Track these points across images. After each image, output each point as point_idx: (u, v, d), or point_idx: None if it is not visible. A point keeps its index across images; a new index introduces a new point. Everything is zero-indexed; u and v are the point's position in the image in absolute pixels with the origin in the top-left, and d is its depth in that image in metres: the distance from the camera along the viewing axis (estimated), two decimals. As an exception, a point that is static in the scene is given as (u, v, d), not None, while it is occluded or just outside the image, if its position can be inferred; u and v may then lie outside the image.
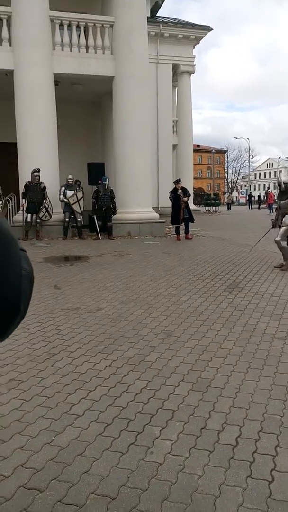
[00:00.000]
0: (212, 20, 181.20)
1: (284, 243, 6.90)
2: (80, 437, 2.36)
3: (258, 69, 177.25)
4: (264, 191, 40.14)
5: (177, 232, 11.26)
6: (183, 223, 11.19)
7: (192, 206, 12.55)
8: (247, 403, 2.73)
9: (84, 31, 11.90)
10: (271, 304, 5.03)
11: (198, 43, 20.40)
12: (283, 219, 7.02)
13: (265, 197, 29.76)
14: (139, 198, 11.89)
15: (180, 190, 11.05)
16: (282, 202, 7.13)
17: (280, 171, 78.76)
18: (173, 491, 1.92)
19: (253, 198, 36.14)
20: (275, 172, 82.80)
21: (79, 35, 11.73)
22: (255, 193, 50.44)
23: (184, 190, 11.21)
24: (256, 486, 1.95)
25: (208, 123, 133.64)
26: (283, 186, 7.17)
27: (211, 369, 3.27)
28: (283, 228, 6.96)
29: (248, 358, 3.47)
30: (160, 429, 2.44)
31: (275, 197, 7.52)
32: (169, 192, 11.74)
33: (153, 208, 12.89)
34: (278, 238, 6.93)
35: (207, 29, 20.11)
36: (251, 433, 2.39)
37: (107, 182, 11.32)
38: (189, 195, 11.82)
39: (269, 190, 30.65)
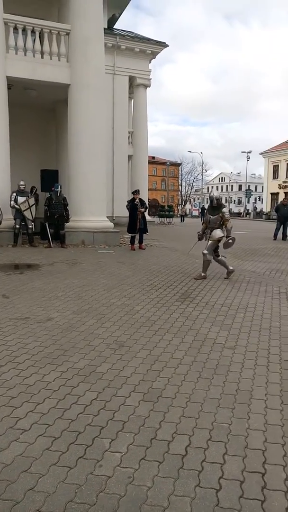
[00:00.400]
0: (167, 36, 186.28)
1: (210, 257, 7.34)
2: (26, 453, 2.26)
3: (211, 87, 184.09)
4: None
5: (132, 242, 11.32)
6: (138, 233, 11.28)
7: (147, 217, 12.71)
8: (197, 412, 2.75)
9: (40, 37, 11.77)
10: (221, 314, 5.16)
11: (154, 58, 20.87)
12: (212, 233, 7.31)
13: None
14: (93, 207, 11.82)
15: (137, 201, 11.15)
16: (212, 217, 7.37)
17: (232, 185, 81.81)
18: (121, 504, 1.88)
19: (205, 211, 37.23)
20: (227, 186, 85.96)
21: (34, 40, 11.59)
22: (225, 209, 51.97)
23: (142, 201, 11.37)
24: (204, 495, 1.96)
25: (163, 135, 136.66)
26: (215, 201, 7.39)
27: (163, 379, 3.27)
28: (211, 242, 7.31)
29: (198, 367, 3.51)
30: (110, 441, 2.39)
31: (206, 212, 7.82)
32: (127, 201, 11.84)
33: (107, 217, 12.87)
34: (205, 251, 7.30)
35: (163, 45, 20.65)
36: (200, 442, 2.41)
37: (59, 189, 11.17)
38: (146, 207, 11.99)
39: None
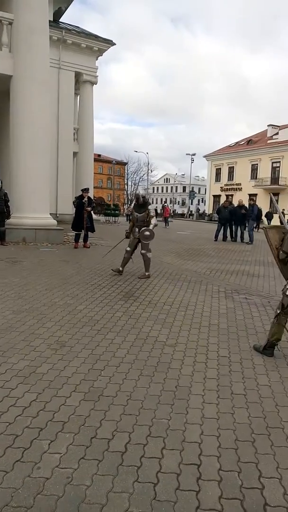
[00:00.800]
0: (113, 35, 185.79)
1: (128, 254, 7.53)
2: None
3: (157, 88, 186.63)
4: (161, 204, 42.15)
5: (77, 239, 11.19)
6: (83, 232, 11.18)
7: (94, 216, 12.64)
8: (137, 410, 2.80)
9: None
10: (163, 312, 5.27)
11: (101, 55, 20.73)
12: (140, 231, 7.35)
13: (162, 211, 31.22)
14: (35, 203, 11.50)
15: (85, 199, 11.02)
16: (139, 215, 7.44)
17: (176, 187, 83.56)
18: (59, 505, 1.87)
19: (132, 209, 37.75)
20: (171, 187, 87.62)
21: (-26, 28, 11.03)
22: (151, 206, 52.70)
23: (90, 200, 11.27)
24: (142, 490, 2.01)
25: (109, 134, 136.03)
26: (141, 199, 7.45)
27: (104, 378, 3.28)
28: (144, 242, 7.39)
29: (140, 365, 3.57)
30: (49, 442, 2.36)
31: (132, 209, 7.88)
32: (75, 197, 11.69)
33: (51, 214, 12.58)
34: (143, 251, 7.43)
35: (110, 43, 20.58)
36: (140, 438, 2.46)
37: (0, 185, 10.74)
38: (94, 207, 11.89)
39: (165, 204, 32.33)
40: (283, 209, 14.95)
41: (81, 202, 11.02)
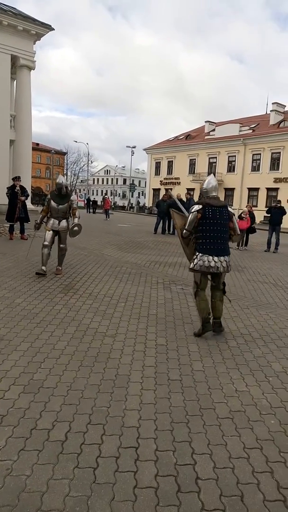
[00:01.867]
0: (48, 19, 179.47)
1: (63, 246, 7.05)
2: None
3: (96, 78, 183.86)
4: (102, 196, 41.92)
5: (11, 230, 10.83)
6: (18, 223, 10.84)
7: (29, 206, 12.20)
8: (78, 399, 2.86)
9: None
10: (104, 304, 5.34)
11: (39, 40, 19.97)
12: (70, 228, 6.95)
13: (102, 203, 31.07)
14: None
15: (18, 188, 10.66)
16: (61, 206, 6.89)
17: (117, 179, 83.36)
18: (-1, 497, 1.88)
19: (90, 203, 37.49)
20: (112, 179, 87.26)
21: None
22: (96, 198, 52.38)
23: (23, 189, 10.88)
24: (82, 475, 2.08)
25: (46, 122, 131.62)
26: (64, 189, 6.95)
27: (44, 370, 3.29)
28: (63, 234, 6.99)
29: (80, 356, 3.61)
30: (-13, 436, 2.34)
31: (49, 198, 7.12)
32: (7, 188, 11.19)
33: (-15, 205, 12.01)
34: (62, 245, 7.03)
35: (49, 27, 19.89)
36: (80, 426, 2.52)
37: None
38: (28, 195, 11.50)
39: (106, 196, 32.17)
40: (250, 205, 15.50)
41: (13, 192, 10.65)
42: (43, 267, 6.71)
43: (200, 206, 4.33)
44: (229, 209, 4.47)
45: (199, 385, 3.22)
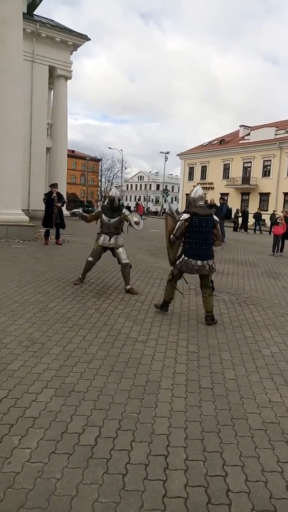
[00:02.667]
0: (82, 28, 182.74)
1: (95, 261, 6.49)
2: None
3: (128, 85, 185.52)
4: (135, 202, 42.29)
5: (46, 236, 11.10)
6: (55, 228, 11.10)
7: (65, 212, 12.47)
8: (108, 404, 2.87)
9: None
10: (135, 309, 5.35)
11: (76, 50, 20.51)
12: (112, 239, 6.45)
13: (135, 208, 31.34)
14: (6, 199, 11.32)
15: (55, 194, 10.93)
16: (112, 220, 6.37)
17: (150, 184, 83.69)
18: (29, 498, 1.91)
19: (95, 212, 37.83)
20: (145, 185, 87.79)
21: None
22: (130, 204, 52.94)
23: (59, 196, 11.17)
24: (111, 481, 2.08)
25: (81, 130, 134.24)
26: (116, 202, 6.45)
27: (75, 374, 3.33)
28: (120, 249, 6.51)
29: (111, 361, 3.63)
30: (20, 438, 2.39)
31: (99, 212, 6.64)
32: (44, 194, 11.54)
33: (23, 210, 12.41)
34: (126, 261, 6.39)
35: (85, 37, 20.39)
36: (110, 432, 2.53)
37: None
38: (64, 202, 11.78)
39: (139, 201, 32.41)
40: (274, 210, 15.18)
41: (50, 198, 10.93)
42: (81, 276, 6.62)
43: (188, 215, 4.82)
44: (214, 217, 4.96)
45: (231, 394, 3.15)
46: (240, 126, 45.86)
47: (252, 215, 26.50)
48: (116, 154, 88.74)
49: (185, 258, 4.86)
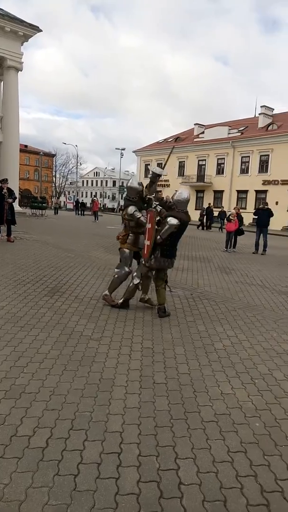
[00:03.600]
0: (29, 18, 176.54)
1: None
2: None
3: (81, 80, 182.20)
4: (91, 198, 41.82)
5: (8, 234, 10.70)
6: (6, 225, 10.72)
7: (17, 208, 12.06)
8: (60, 404, 2.80)
9: None
10: (90, 307, 5.28)
11: (27, 41, 19.86)
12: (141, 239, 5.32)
13: (91, 205, 30.96)
14: None
15: (5, 190, 10.53)
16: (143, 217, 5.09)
17: (106, 181, 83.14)
18: (-25, 507, 1.83)
19: (79, 204, 37.42)
20: (101, 181, 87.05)
21: None
22: (86, 200, 52.25)
23: (10, 191, 10.76)
24: (62, 483, 2.03)
25: (34, 124, 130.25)
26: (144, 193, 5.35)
27: (26, 374, 3.23)
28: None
29: (64, 360, 3.56)
30: None
31: (134, 211, 5.13)
32: None
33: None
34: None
35: (36, 29, 19.80)
36: (62, 432, 2.47)
37: None
38: (15, 198, 11.38)
39: (95, 198, 32.03)
40: (222, 206, 15.37)
41: (1, 195, 10.53)
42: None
43: (178, 222, 4.85)
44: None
45: (184, 388, 3.19)
46: (194, 124, 46.62)
47: (218, 213, 26.66)
48: (71, 149, 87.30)
49: (160, 257, 5.02)
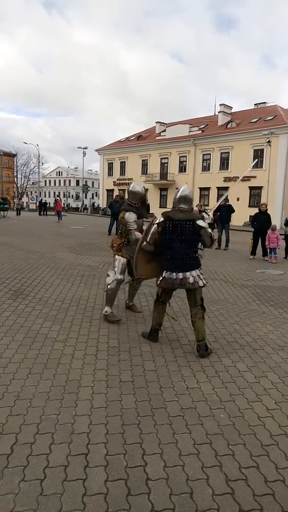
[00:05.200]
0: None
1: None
2: None
3: (36, 75, 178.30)
4: (54, 198, 41.12)
5: None
6: None
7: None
8: (25, 409, 2.76)
9: None
10: (55, 308, 5.21)
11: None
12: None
13: (54, 204, 30.46)
14: None
15: None
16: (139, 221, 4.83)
17: (69, 180, 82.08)
18: None
19: (42, 205, 36.74)
20: (64, 180, 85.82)
21: None
22: (50, 200, 51.22)
23: None
24: (28, 488, 2.00)
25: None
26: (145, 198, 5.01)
27: (-11, 381, 3.14)
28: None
29: (29, 364, 3.49)
30: None
31: (132, 215, 4.72)
32: None
33: None
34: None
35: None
36: (27, 437, 2.43)
37: None
38: None
39: (58, 197, 31.48)
40: (200, 204, 15.43)
41: None
42: (128, 301, 5.44)
43: (162, 219, 4.05)
44: (199, 222, 3.95)
45: (151, 385, 3.22)
46: (156, 122, 46.89)
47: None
48: (32, 149, 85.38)
49: (164, 271, 4.02)
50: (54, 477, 2.09)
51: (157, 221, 4.08)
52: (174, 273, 3.94)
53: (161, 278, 4.04)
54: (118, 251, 4.86)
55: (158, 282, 4.10)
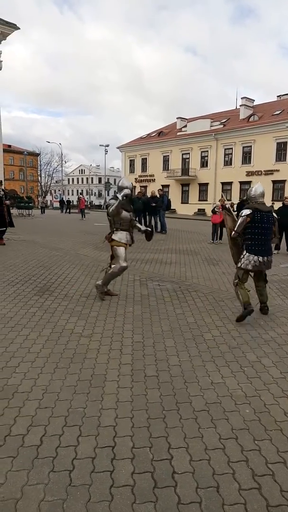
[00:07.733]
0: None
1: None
2: None
3: (53, 75, 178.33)
4: (77, 196, 41.57)
5: (1, 236, 10.60)
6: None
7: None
8: (53, 402, 2.82)
9: None
10: (80, 304, 5.29)
11: (5, 39, 19.58)
12: (128, 235, 5.71)
13: (77, 202, 30.77)
14: None
15: (2, 193, 10.32)
16: (128, 214, 5.62)
17: (92, 178, 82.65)
18: (-29, 507, 1.84)
19: (64, 203, 37.24)
20: (87, 178, 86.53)
21: None
22: (73, 198, 51.88)
23: (6, 193, 10.57)
24: (57, 479, 2.05)
25: (11, 123, 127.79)
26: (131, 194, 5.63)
27: (18, 374, 3.23)
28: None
29: (56, 359, 3.57)
30: None
31: (118, 207, 5.43)
32: None
33: None
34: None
35: (14, 27, 19.51)
36: (55, 429, 2.49)
37: None
38: (10, 198, 11.22)
39: (80, 195, 31.81)
40: (223, 199, 15.32)
41: None
42: (106, 289, 5.71)
43: (250, 211, 4.76)
44: (274, 214, 4.91)
45: (175, 379, 3.24)
46: (177, 118, 46.60)
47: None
48: (54, 148, 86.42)
49: (247, 254, 4.80)
50: (82, 468, 2.13)
51: (245, 214, 4.77)
52: (256, 257, 4.77)
53: (242, 261, 4.84)
54: (110, 241, 5.61)
55: (240, 264, 4.86)
